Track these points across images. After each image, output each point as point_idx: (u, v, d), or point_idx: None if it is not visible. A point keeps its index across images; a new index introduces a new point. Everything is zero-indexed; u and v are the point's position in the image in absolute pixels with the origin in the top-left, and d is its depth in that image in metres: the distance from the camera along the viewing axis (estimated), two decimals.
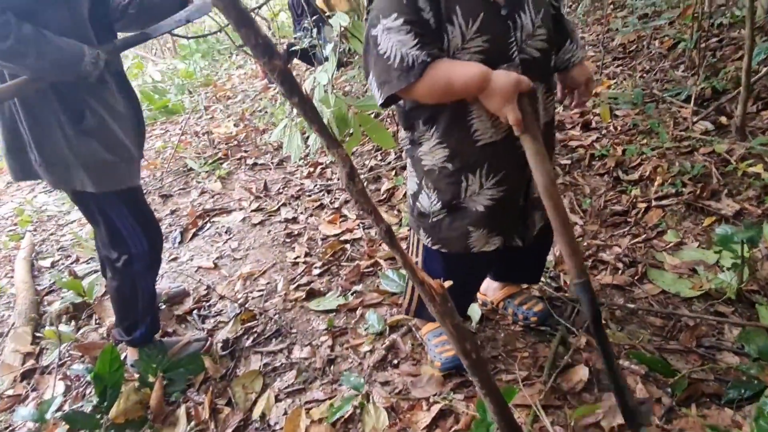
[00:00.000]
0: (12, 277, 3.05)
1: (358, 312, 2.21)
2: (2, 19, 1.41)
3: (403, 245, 1.95)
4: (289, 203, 3.32)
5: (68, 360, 2.29)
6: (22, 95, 1.60)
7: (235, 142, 4.58)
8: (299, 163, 3.79)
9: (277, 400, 1.87)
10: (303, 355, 2.04)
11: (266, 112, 5.06)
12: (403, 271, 2.00)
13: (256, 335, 2.21)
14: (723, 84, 3.07)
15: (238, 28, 0.86)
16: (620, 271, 2.11)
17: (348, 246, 2.71)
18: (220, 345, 2.16)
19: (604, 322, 1.87)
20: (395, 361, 1.92)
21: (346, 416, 1.72)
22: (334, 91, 3.27)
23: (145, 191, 2.17)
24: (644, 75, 3.69)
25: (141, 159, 2.07)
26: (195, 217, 3.33)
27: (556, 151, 2.97)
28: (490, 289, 2.05)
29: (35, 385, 2.20)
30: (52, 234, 3.62)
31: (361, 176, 3.34)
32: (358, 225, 2.86)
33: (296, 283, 2.50)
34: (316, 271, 2.55)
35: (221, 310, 2.43)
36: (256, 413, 1.83)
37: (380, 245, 2.62)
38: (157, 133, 5.50)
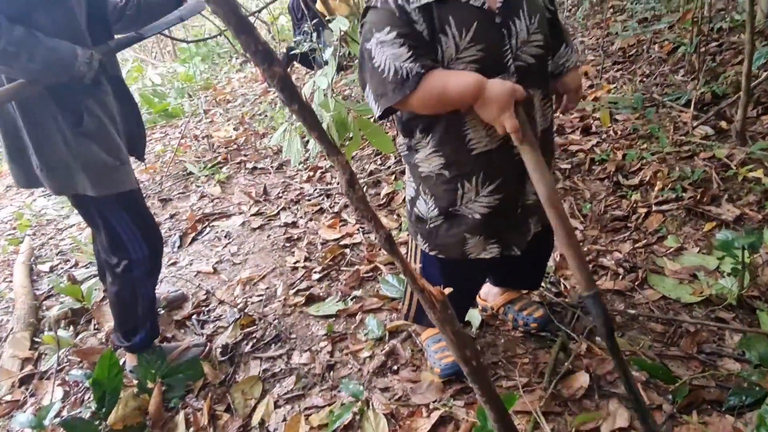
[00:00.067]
0: (11, 281, 3.04)
1: (358, 317, 2.21)
2: None
3: (403, 250, 1.95)
4: (289, 207, 3.32)
5: (67, 365, 2.29)
6: (20, 99, 1.60)
7: (235, 146, 4.58)
8: (299, 168, 3.79)
9: (277, 406, 1.86)
10: (302, 361, 2.04)
11: (266, 115, 5.06)
12: (403, 277, 2.00)
13: (255, 340, 2.20)
14: (723, 88, 3.07)
15: (237, 34, 0.85)
16: (621, 277, 2.11)
17: (348, 250, 2.71)
18: (219, 350, 2.15)
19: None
20: (395, 367, 1.91)
21: (345, 423, 1.71)
22: (334, 95, 3.26)
23: (144, 195, 2.16)
24: (644, 79, 3.69)
25: (143, 162, 2.08)
26: (194, 222, 3.33)
27: (556, 156, 2.97)
28: (490, 294, 2.04)
29: (34, 390, 2.20)
30: (51, 238, 3.61)
31: (361, 180, 3.35)
32: (358, 229, 2.86)
33: (296, 288, 2.49)
34: (316, 276, 2.54)
35: (220, 315, 2.42)
36: (255, 420, 1.82)
37: (380, 250, 2.62)
38: (157, 136, 5.50)
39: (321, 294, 2.41)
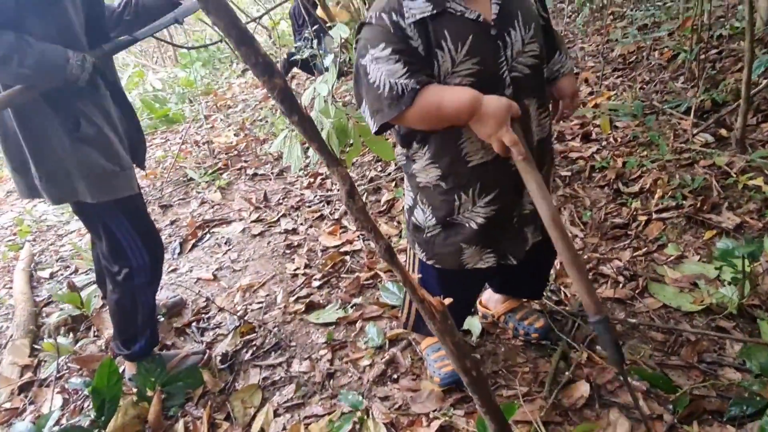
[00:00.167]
0: (11, 288, 3.04)
1: (358, 325, 2.20)
2: None
3: (402, 258, 1.95)
4: (289, 214, 3.32)
5: (66, 373, 2.28)
6: (16, 106, 1.59)
7: (235, 152, 4.58)
8: (299, 174, 3.79)
9: (276, 415, 1.86)
10: (302, 369, 2.03)
11: (266, 121, 5.06)
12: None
13: (255, 348, 2.20)
14: (723, 96, 3.07)
15: (238, 46, 0.86)
16: (621, 285, 2.10)
17: (348, 257, 2.71)
18: (219, 358, 2.15)
19: None
20: (395, 376, 1.91)
21: None
22: (335, 101, 3.27)
23: (145, 201, 2.17)
24: (644, 86, 3.70)
25: (143, 169, 2.08)
26: (195, 228, 3.33)
27: (556, 163, 2.97)
28: (491, 300, 2.04)
29: (33, 398, 2.19)
30: (51, 244, 3.62)
31: (361, 187, 3.35)
32: (358, 236, 2.86)
33: (296, 296, 2.49)
34: (316, 283, 2.54)
35: (220, 323, 2.42)
36: (255, 428, 1.81)
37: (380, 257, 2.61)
38: (158, 142, 5.51)
39: (321, 301, 2.41)
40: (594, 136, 3.24)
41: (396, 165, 3.52)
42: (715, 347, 1.76)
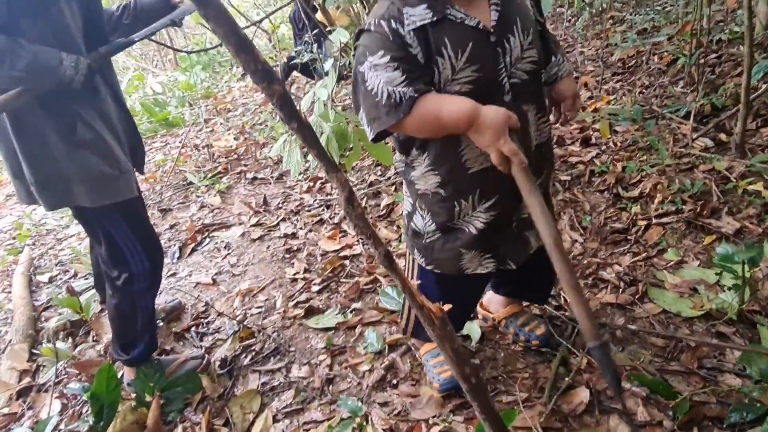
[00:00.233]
0: (10, 292, 3.03)
1: (357, 330, 2.20)
2: None
3: (401, 262, 1.95)
4: (289, 218, 3.32)
5: (65, 378, 2.28)
6: (11, 111, 1.59)
7: (235, 156, 4.58)
8: (299, 178, 3.79)
9: (275, 420, 1.85)
10: (301, 374, 2.03)
11: (266, 125, 5.07)
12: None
13: (254, 353, 2.19)
14: (722, 100, 3.07)
15: (237, 53, 0.86)
16: (621, 290, 2.10)
17: (347, 262, 2.70)
18: (218, 363, 2.15)
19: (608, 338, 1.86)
20: (394, 381, 1.90)
21: None
22: (334, 105, 3.27)
23: (145, 205, 2.17)
24: (643, 90, 3.70)
25: (142, 173, 2.07)
26: (194, 232, 3.33)
27: (556, 167, 2.97)
28: (492, 303, 2.03)
29: (31, 403, 2.19)
30: (50, 248, 3.61)
31: (361, 191, 3.35)
32: (358, 241, 2.85)
33: (295, 300, 2.48)
34: (315, 288, 2.54)
35: (219, 328, 2.42)
36: None
37: None
38: (157, 145, 5.51)
39: (320, 306, 2.41)
40: (593, 140, 3.24)
41: (396, 169, 3.52)
42: (715, 353, 1.76)
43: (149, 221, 2.14)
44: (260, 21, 4.41)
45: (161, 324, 2.45)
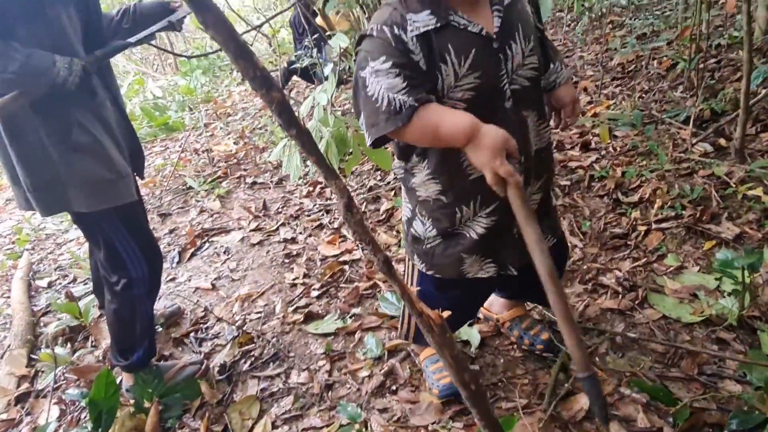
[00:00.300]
0: (9, 297, 3.03)
1: (357, 335, 2.20)
2: None
3: (401, 266, 1.94)
4: (288, 223, 3.32)
5: (63, 383, 2.27)
6: (5, 116, 1.58)
7: (235, 161, 4.58)
8: (298, 183, 3.79)
9: (274, 427, 1.85)
10: (300, 380, 2.02)
11: (266, 130, 5.07)
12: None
13: (253, 359, 2.19)
14: (722, 105, 3.07)
15: (236, 60, 0.86)
16: (620, 296, 2.10)
17: (347, 267, 2.70)
18: (217, 369, 2.14)
19: (604, 350, 1.86)
20: (393, 387, 1.90)
21: None
22: (334, 110, 3.27)
23: (146, 210, 2.17)
24: (643, 95, 3.70)
25: (142, 178, 2.07)
26: (193, 237, 3.33)
27: (555, 172, 2.97)
28: (495, 305, 2.02)
29: (30, 409, 2.18)
30: (50, 253, 3.61)
31: (361, 196, 3.35)
32: (357, 246, 2.85)
33: (294, 305, 2.48)
34: (315, 293, 2.54)
35: (219, 333, 2.41)
36: None
37: None
38: (157, 150, 5.51)
39: (320, 311, 2.40)
40: (593, 145, 3.24)
41: (395, 176, 3.52)
42: (715, 359, 1.75)
43: (149, 226, 2.13)
44: (260, 25, 4.42)
45: (160, 329, 2.44)
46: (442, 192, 1.42)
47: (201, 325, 2.48)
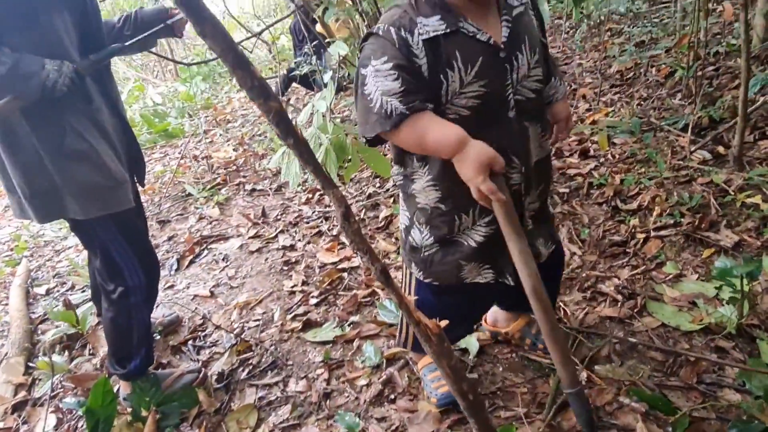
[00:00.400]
0: (7, 304, 3.02)
1: (355, 343, 2.19)
2: None
3: (399, 275, 1.94)
4: (287, 230, 3.31)
5: (61, 392, 2.26)
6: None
7: (234, 167, 4.58)
8: (297, 190, 3.79)
9: None
10: (299, 389, 2.01)
11: (265, 136, 5.08)
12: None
13: (251, 367, 2.18)
14: (720, 113, 3.08)
15: (234, 70, 0.86)
16: (620, 304, 2.09)
17: (345, 274, 2.69)
18: (215, 377, 2.13)
19: (603, 357, 1.86)
20: (392, 396, 1.89)
21: None
22: (333, 117, 3.28)
23: (146, 218, 2.17)
24: (641, 103, 3.71)
25: (143, 185, 2.06)
26: (192, 244, 3.32)
27: (554, 180, 2.97)
28: (500, 320, 2.00)
29: (26, 418, 2.17)
30: (48, 260, 3.60)
31: (359, 203, 3.35)
32: (356, 253, 2.84)
33: (293, 313, 2.47)
34: (313, 301, 2.53)
35: (217, 341, 2.40)
36: None
37: None
38: (157, 156, 5.51)
39: (318, 319, 2.40)
40: (592, 152, 3.25)
41: (394, 183, 3.52)
42: (715, 368, 1.74)
43: (147, 234, 2.13)
44: (260, 33, 4.43)
45: (158, 337, 2.44)
46: (441, 199, 1.41)
47: (199, 333, 2.48)
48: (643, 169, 2.89)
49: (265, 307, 2.59)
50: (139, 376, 2.00)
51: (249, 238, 3.30)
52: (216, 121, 6.25)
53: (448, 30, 1.24)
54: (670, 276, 2.18)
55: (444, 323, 1.18)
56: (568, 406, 1.68)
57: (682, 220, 2.43)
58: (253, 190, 4.05)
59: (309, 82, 5.45)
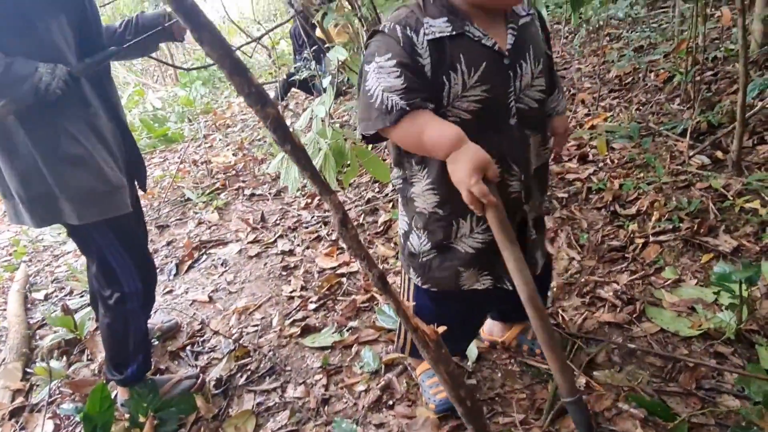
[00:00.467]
0: (5, 309, 3.01)
1: (354, 349, 2.18)
2: None
3: (397, 280, 1.94)
4: (286, 235, 3.31)
5: (58, 397, 2.25)
6: None
7: (233, 172, 4.59)
8: (297, 194, 3.79)
9: None
10: (297, 395, 2.01)
11: (265, 141, 5.08)
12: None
13: (249, 373, 2.17)
14: (718, 118, 3.08)
15: (231, 77, 0.86)
16: (618, 309, 2.09)
17: (344, 280, 2.69)
18: (213, 383, 2.13)
19: (602, 362, 1.85)
20: (390, 402, 1.89)
21: None
22: (332, 122, 3.28)
23: (146, 223, 2.16)
24: (640, 108, 3.71)
25: (144, 191, 2.05)
26: (191, 249, 3.32)
27: (552, 185, 2.98)
28: (495, 330, 2.00)
29: (24, 423, 2.16)
30: (47, 265, 3.60)
31: (358, 208, 3.35)
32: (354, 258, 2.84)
33: (291, 318, 2.47)
34: (312, 306, 2.53)
35: (215, 346, 2.40)
36: None
37: None
38: (156, 161, 5.51)
39: (317, 324, 2.39)
40: (591, 157, 3.25)
41: (393, 187, 3.52)
42: (714, 373, 1.74)
43: (145, 240, 2.13)
44: (260, 37, 4.44)
45: (156, 343, 2.43)
46: (439, 204, 1.41)
47: (197, 339, 2.47)
48: (641, 174, 2.90)
49: (264, 312, 2.58)
50: (136, 381, 2.00)
51: (248, 243, 3.29)
52: (215, 125, 6.25)
53: (454, 32, 1.25)
54: (669, 281, 2.17)
55: (442, 329, 1.18)
56: (567, 412, 1.68)
57: (681, 225, 2.43)
58: (253, 194, 4.05)
59: (308, 87, 5.46)
